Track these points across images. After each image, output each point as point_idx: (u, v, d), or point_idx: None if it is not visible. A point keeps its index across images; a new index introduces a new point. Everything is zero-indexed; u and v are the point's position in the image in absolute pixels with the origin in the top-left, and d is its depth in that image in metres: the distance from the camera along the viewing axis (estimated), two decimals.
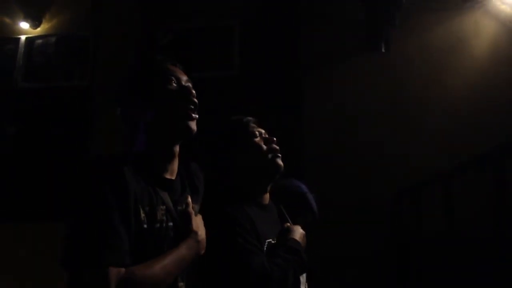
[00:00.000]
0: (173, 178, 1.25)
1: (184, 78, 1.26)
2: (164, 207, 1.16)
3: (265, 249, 1.48)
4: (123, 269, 0.96)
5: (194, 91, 1.23)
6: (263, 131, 1.69)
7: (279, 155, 1.63)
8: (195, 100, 1.23)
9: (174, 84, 1.22)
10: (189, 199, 1.26)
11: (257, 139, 1.62)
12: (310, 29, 3.95)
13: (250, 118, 1.67)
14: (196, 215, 1.27)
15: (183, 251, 1.13)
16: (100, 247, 0.96)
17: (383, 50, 3.75)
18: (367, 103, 3.77)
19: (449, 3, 3.85)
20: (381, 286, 3.32)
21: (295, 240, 1.57)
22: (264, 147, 1.61)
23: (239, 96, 3.57)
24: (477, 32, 3.83)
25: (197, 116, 1.23)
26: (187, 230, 1.18)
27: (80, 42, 4.08)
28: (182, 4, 4.02)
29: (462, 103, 3.66)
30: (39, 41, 4.26)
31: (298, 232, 1.63)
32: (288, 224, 1.69)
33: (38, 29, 4.28)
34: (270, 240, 1.54)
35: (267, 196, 1.68)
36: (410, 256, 3.14)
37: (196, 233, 1.19)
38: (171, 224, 1.17)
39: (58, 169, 3.77)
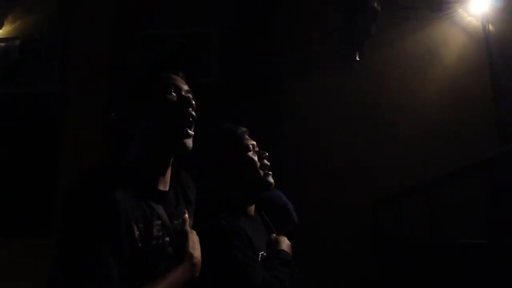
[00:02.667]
0: (167, 189, 1.19)
1: (184, 88, 1.20)
2: (160, 221, 1.11)
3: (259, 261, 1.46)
4: None
5: (193, 103, 1.18)
6: (255, 143, 1.67)
7: (270, 172, 1.63)
8: (194, 113, 1.18)
9: (174, 94, 1.16)
10: (186, 215, 1.21)
11: (251, 153, 1.60)
12: (287, 37, 3.97)
13: (244, 129, 1.64)
14: (191, 229, 1.22)
15: (178, 275, 1.09)
16: (87, 277, 0.90)
17: (357, 59, 3.80)
18: (344, 111, 3.82)
19: (420, 13, 3.96)
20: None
21: (286, 252, 1.57)
22: (258, 162, 1.60)
23: (217, 103, 3.51)
24: (446, 43, 3.95)
25: (193, 133, 1.18)
26: (183, 251, 1.13)
27: (46, 45, 3.90)
28: (158, 10, 3.94)
29: (434, 111, 3.77)
30: (1, 44, 4.04)
31: (285, 243, 1.64)
32: (274, 235, 1.68)
33: (0, 31, 4.07)
34: (262, 252, 1.53)
35: (253, 207, 1.68)
36: (388, 262, 3.17)
37: (191, 255, 1.15)
38: (167, 239, 1.11)
39: (23, 180, 3.58)
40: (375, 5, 3.39)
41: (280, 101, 3.82)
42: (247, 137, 1.66)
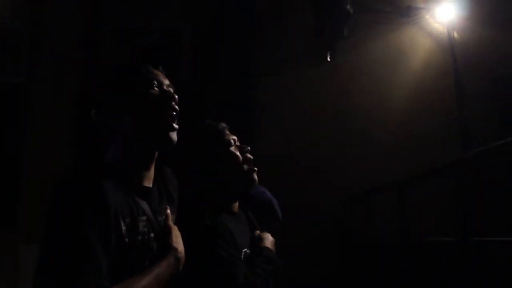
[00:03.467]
0: (151, 185, 1.18)
1: (166, 82, 1.19)
2: (145, 217, 1.10)
3: (242, 259, 1.46)
4: None
5: (176, 97, 1.17)
6: (235, 138, 1.66)
7: (255, 169, 1.62)
8: (177, 107, 1.17)
9: (156, 88, 1.15)
10: (168, 211, 1.20)
11: (233, 148, 1.59)
12: (260, 36, 3.98)
13: (224, 124, 1.63)
14: (173, 226, 1.21)
15: (162, 269, 1.08)
16: (77, 270, 0.89)
17: (328, 60, 3.87)
18: (314, 111, 3.87)
19: (389, 18, 4.07)
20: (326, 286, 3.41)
21: (269, 249, 1.57)
22: (240, 156, 1.59)
23: (187, 100, 3.47)
24: (413, 47, 4.09)
25: (177, 126, 1.17)
26: (167, 246, 1.13)
27: (14, 35, 3.73)
28: (131, 4, 3.85)
29: (400, 113, 3.89)
30: None
31: (269, 240, 1.64)
32: (258, 231, 1.68)
33: None
34: (246, 249, 1.52)
35: (236, 204, 1.67)
36: (356, 261, 3.25)
37: (176, 249, 1.14)
38: (152, 235, 1.10)
39: None
40: (348, 7, 3.45)
41: (251, 100, 3.83)
42: (228, 132, 1.65)
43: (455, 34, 3.95)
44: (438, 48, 4.07)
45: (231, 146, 1.58)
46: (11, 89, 3.64)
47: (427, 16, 4.12)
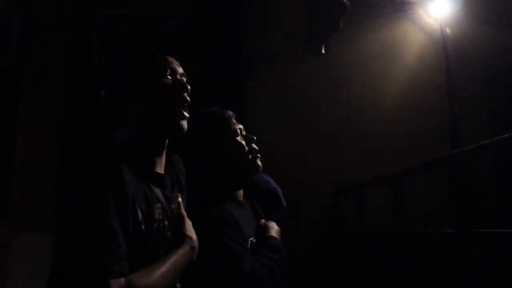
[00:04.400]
0: (163, 172, 1.17)
1: (180, 71, 1.18)
2: (160, 205, 1.09)
3: (248, 248, 1.46)
4: (123, 280, 0.89)
5: (189, 87, 1.16)
6: (242, 127, 1.65)
7: (259, 155, 1.62)
8: (188, 98, 1.16)
9: (169, 77, 1.13)
10: (180, 199, 1.19)
11: (239, 138, 1.59)
12: (254, 28, 3.96)
13: (230, 113, 1.62)
14: (185, 214, 1.21)
15: (179, 258, 1.08)
16: (100, 256, 0.87)
17: (323, 52, 3.88)
18: (309, 104, 3.88)
19: (382, 12, 4.09)
20: (317, 277, 3.44)
21: (275, 238, 1.58)
22: (246, 147, 1.58)
23: None
24: (406, 42, 4.12)
25: (188, 115, 1.16)
26: (182, 235, 1.12)
27: (2, 19, 3.63)
28: None
29: (393, 107, 3.93)
30: None
31: (275, 229, 1.64)
32: (263, 220, 1.68)
33: None
34: (252, 238, 1.52)
35: (242, 192, 1.67)
36: (346, 249, 3.29)
37: (191, 238, 1.14)
38: (166, 223, 1.10)
39: None
40: (345, 0, 3.46)
41: (243, 90, 3.81)
42: (234, 121, 1.64)
43: (448, 30, 3.99)
44: (431, 44, 4.10)
45: (238, 135, 1.57)
46: (0, 74, 3.55)
47: (421, 11, 4.14)
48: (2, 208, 3.21)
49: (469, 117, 3.76)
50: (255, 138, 1.61)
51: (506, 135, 1.43)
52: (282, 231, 1.64)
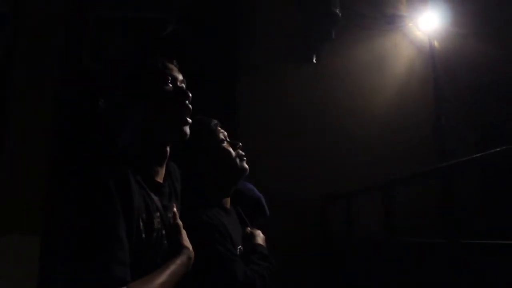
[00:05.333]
0: (162, 181, 1.16)
1: (180, 77, 1.18)
2: (158, 214, 1.09)
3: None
4: None
5: (189, 94, 1.16)
6: (226, 133, 1.67)
7: (245, 158, 1.63)
8: (190, 105, 1.16)
9: (170, 84, 1.13)
10: (175, 209, 1.19)
11: (225, 145, 1.60)
12: (246, 34, 3.98)
13: (215, 121, 1.64)
14: (181, 224, 1.21)
15: (177, 267, 1.07)
16: (104, 261, 0.87)
17: (314, 61, 3.91)
18: (298, 111, 3.90)
19: (374, 24, 4.15)
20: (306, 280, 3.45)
21: (262, 246, 1.59)
22: (233, 153, 1.60)
23: None
24: (396, 53, 4.18)
25: (190, 120, 1.16)
26: (179, 245, 1.12)
27: None
28: None
29: (382, 116, 3.97)
30: None
31: (261, 237, 1.66)
32: (249, 228, 1.69)
33: None
34: (240, 246, 1.53)
35: (228, 200, 1.67)
36: (334, 257, 3.31)
37: (188, 248, 1.14)
38: (164, 232, 1.09)
39: None
40: (337, 10, 3.49)
41: (234, 96, 3.82)
42: (219, 128, 1.66)
43: (436, 43, 4.06)
44: (420, 56, 4.17)
45: (223, 142, 1.59)
46: None
47: (410, 24, 4.21)
48: None
49: (456, 129, 3.82)
50: (240, 144, 1.63)
51: (497, 149, 1.46)
52: (268, 238, 1.66)
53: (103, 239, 0.88)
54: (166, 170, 1.22)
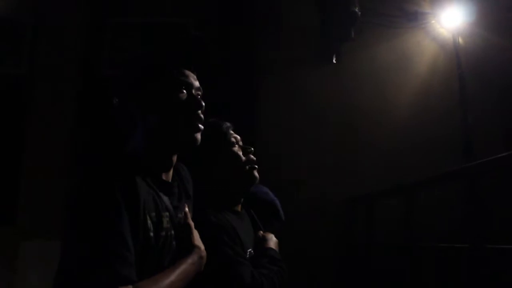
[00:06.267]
0: (170, 181, 1.15)
1: (196, 85, 1.16)
2: (168, 213, 1.07)
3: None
4: (131, 287, 0.87)
5: (203, 104, 1.14)
6: (239, 138, 1.64)
7: (256, 166, 1.61)
8: (202, 116, 1.14)
9: (184, 92, 1.12)
10: (187, 209, 1.17)
11: (236, 148, 1.58)
12: (264, 36, 3.95)
13: (228, 124, 1.62)
14: (193, 224, 1.19)
15: (188, 267, 1.06)
16: (109, 261, 0.86)
17: (334, 61, 3.85)
18: (318, 112, 3.85)
19: (396, 22, 4.05)
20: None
21: (274, 250, 1.56)
22: (243, 157, 1.58)
23: None
24: (419, 52, 4.07)
25: (202, 127, 1.14)
26: (190, 244, 1.10)
27: (15, 27, 3.68)
28: None
29: (405, 117, 3.87)
30: None
31: (273, 241, 1.62)
32: (262, 232, 1.66)
33: None
34: (250, 250, 1.50)
35: (240, 203, 1.65)
36: (356, 261, 3.23)
37: (199, 248, 1.13)
38: (173, 232, 1.08)
39: None
40: (356, 10, 3.43)
41: (253, 99, 3.80)
42: (232, 132, 1.63)
43: (460, 40, 3.94)
44: (444, 54, 4.05)
45: (234, 146, 1.57)
46: (12, 81, 3.60)
47: (433, 21, 4.10)
48: (9, 214, 3.22)
49: (482, 128, 3.68)
50: (252, 149, 1.61)
51: None
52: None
53: (107, 239, 0.88)
54: (174, 171, 1.21)
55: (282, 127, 3.79)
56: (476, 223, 1.65)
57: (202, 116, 1.14)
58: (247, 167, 1.57)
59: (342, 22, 3.60)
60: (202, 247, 1.14)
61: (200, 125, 1.13)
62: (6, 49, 3.67)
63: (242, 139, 1.67)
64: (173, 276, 0.99)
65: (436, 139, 3.74)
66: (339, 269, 3.41)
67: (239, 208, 1.62)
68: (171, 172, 1.16)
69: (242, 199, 1.65)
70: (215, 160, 1.54)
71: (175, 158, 1.16)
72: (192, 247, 1.10)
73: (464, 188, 1.96)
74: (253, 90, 3.77)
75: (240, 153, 1.58)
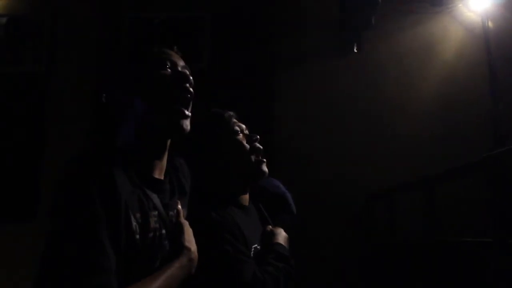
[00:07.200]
0: (162, 177, 1.09)
1: (180, 63, 1.10)
2: (156, 212, 1.01)
3: (252, 255, 1.37)
4: None
5: (191, 78, 1.07)
6: (244, 126, 1.57)
7: (264, 160, 1.53)
8: (191, 89, 1.07)
9: (168, 70, 1.06)
10: (179, 206, 1.11)
11: (239, 137, 1.50)
12: (283, 26, 3.86)
13: (231, 113, 1.54)
14: (185, 223, 1.13)
15: (175, 271, 0.98)
16: (83, 269, 0.80)
17: (355, 51, 3.73)
18: (339, 104, 3.73)
19: (420, 7, 3.88)
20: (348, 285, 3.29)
21: (282, 245, 1.48)
22: (247, 146, 1.50)
23: (208, 90, 3.40)
24: (445, 37, 3.89)
25: (190, 114, 1.08)
26: (179, 246, 1.04)
27: (34, 24, 3.74)
28: None
29: (431, 107, 3.71)
30: None
31: (282, 236, 1.54)
32: (270, 227, 1.58)
33: None
34: (256, 245, 1.43)
35: (247, 197, 1.58)
36: (377, 258, 3.12)
37: (189, 249, 1.05)
38: (164, 232, 1.01)
39: (6, 165, 3.44)
40: None
41: (273, 91, 3.71)
42: (235, 120, 1.56)
43: (490, 23, 3.73)
44: (472, 39, 3.85)
45: (237, 135, 1.49)
46: (32, 78, 3.66)
47: (460, 5, 3.90)
48: (31, 209, 3.27)
49: None
50: (258, 137, 1.53)
51: None
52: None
53: (81, 245, 0.81)
54: (169, 165, 1.15)
55: (302, 122, 3.69)
56: (500, 215, 1.53)
57: (191, 90, 1.07)
58: (253, 158, 1.50)
59: (362, 10, 3.46)
60: (193, 247, 1.07)
61: (186, 111, 1.06)
62: (26, 47, 3.72)
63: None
64: (158, 282, 0.92)
65: (464, 128, 3.57)
66: (359, 269, 3.30)
67: (245, 202, 1.56)
68: (163, 166, 1.10)
69: (249, 193, 1.58)
70: (217, 150, 1.48)
71: (166, 147, 1.10)
72: (182, 248, 1.03)
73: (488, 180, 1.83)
74: (270, 84, 3.69)
75: (244, 141, 1.51)
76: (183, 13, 3.79)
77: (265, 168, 1.51)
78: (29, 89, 3.61)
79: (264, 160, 1.52)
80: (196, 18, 3.80)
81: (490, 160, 1.71)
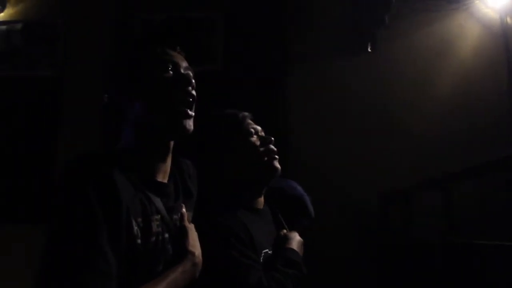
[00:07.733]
0: (166, 180, 1.08)
1: (183, 64, 1.09)
2: (159, 216, 1.00)
3: (261, 260, 1.34)
4: None
5: (193, 81, 1.06)
6: (259, 128, 1.55)
7: (276, 157, 1.50)
8: (193, 92, 1.06)
9: (170, 72, 1.05)
10: (184, 210, 1.10)
11: (253, 138, 1.49)
12: (295, 26, 3.83)
13: (246, 113, 1.53)
14: (190, 225, 1.11)
15: (178, 275, 0.98)
16: (82, 273, 0.78)
17: (369, 50, 3.68)
18: (353, 105, 3.68)
19: (435, 5, 3.80)
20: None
21: (293, 250, 1.45)
22: (261, 148, 1.48)
23: (221, 91, 3.39)
24: (462, 35, 3.80)
25: (193, 114, 1.06)
26: (183, 250, 1.02)
27: (49, 29, 3.78)
28: None
29: (447, 107, 3.63)
30: (3, 27, 3.92)
31: (296, 241, 1.51)
32: (285, 231, 1.56)
33: (2, 14, 3.96)
34: (267, 250, 1.41)
35: (261, 199, 1.56)
36: (393, 261, 3.06)
37: (193, 254, 1.04)
38: (167, 236, 1.00)
39: (21, 169, 3.48)
40: None
41: (286, 92, 3.68)
42: (250, 121, 1.54)
43: (509, 20, 3.64)
44: (490, 36, 3.75)
45: (251, 136, 1.47)
46: (47, 82, 3.69)
47: (477, 2, 3.81)
48: (43, 214, 3.30)
49: None
50: (272, 138, 1.51)
51: None
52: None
53: (80, 250, 0.81)
54: (175, 167, 1.14)
55: (315, 122, 3.65)
56: None
57: (193, 93, 1.06)
58: (265, 158, 1.48)
59: (375, 9, 3.41)
60: (198, 251, 1.05)
61: (189, 111, 1.05)
62: (40, 51, 3.76)
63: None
64: (160, 286, 0.91)
65: (481, 128, 3.48)
66: (373, 271, 3.24)
67: (259, 205, 1.53)
68: (167, 168, 1.08)
69: (263, 195, 1.56)
70: (231, 151, 1.46)
71: (169, 149, 1.08)
72: (185, 253, 1.02)
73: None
74: (282, 84, 3.65)
75: (258, 143, 1.49)
76: (196, 14, 3.78)
77: (277, 164, 1.49)
78: (43, 94, 3.64)
79: (277, 156, 1.50)
80: (209, 18, 3.79)
81: (510, 160, 1.66)
